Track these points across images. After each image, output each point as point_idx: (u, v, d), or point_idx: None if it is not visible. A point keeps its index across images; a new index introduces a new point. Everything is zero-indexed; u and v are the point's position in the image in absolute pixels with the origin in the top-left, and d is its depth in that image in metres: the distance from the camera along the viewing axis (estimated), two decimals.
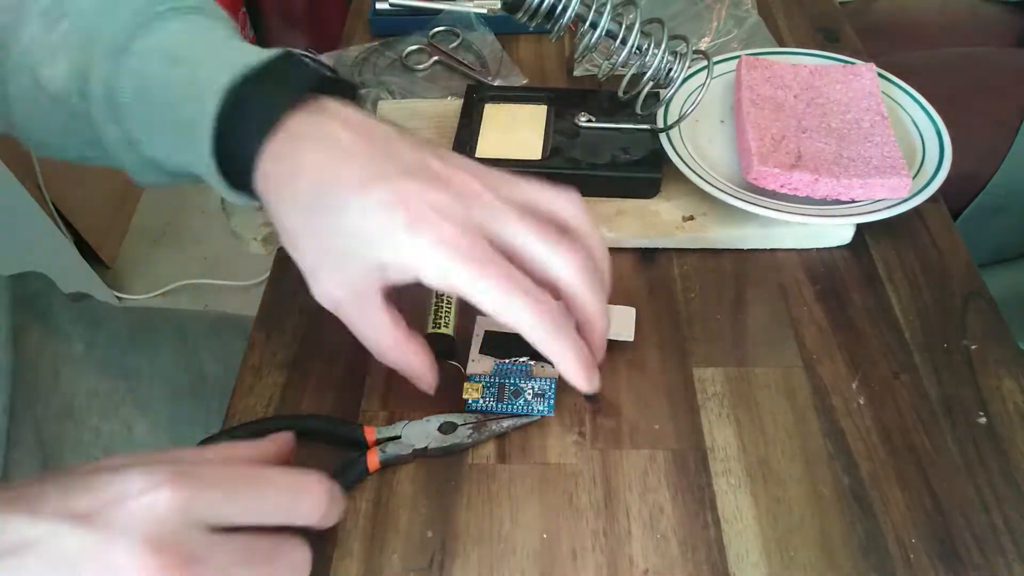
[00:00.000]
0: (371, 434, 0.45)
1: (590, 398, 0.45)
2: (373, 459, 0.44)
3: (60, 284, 0.62)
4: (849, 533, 0.41)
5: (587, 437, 0.46)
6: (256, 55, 0.38)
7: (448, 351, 0.48)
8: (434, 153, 0.38)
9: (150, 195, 1.85)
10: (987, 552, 0.40)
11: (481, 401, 0.45)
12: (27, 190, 1.40)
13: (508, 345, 0.47)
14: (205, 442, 0.45)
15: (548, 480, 0.44)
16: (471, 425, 0.45)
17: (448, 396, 0.48)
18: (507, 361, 0.47)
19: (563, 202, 0.39)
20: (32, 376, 0.53)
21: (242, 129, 0.37)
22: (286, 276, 0.55)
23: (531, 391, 0.45)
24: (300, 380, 0.49)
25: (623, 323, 0.49)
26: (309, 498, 0.33)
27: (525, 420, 0.46)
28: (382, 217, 0.35)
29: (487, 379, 0.46)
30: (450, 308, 0.49)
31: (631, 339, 0.49)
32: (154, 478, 0.29)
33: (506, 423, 0.45)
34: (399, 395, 0.48)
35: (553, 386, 0.46)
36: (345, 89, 0.40)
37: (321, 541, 0.42)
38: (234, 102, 0.36)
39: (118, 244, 1.77)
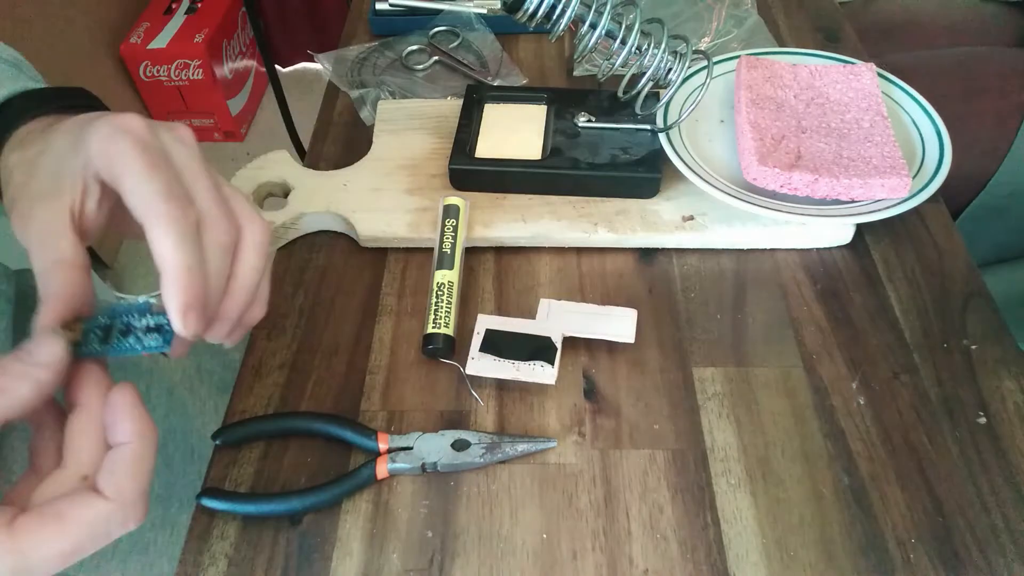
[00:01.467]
0: (384, 442, 0.45)
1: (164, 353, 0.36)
2: (383, 468, 0.44)
3: None
4: (849, 533, 0.41)
5: (587, 437, 0.46)
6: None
7: (447, 350, 0.48)
8: None
9: None
10: (987, 552, 0.40)
11: (84, 346, 0.34)
12: None
13: (508, 344, 0.47)
14: (218, 434, 0.45)
15: (548, 480, 0.44)
16: (484, 445, 0.44)
17: (448, 395, 0.48)
18: (122, 299, 0.38)
19: (246, 208, 0.36)
20: None
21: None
22: (286, 276, 0.55)
23: (143, 328, 0.35)
24: (300, 380, 0.49)
25: (623, 325, 0.49)
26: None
27: (543, 446, 0.45)
28: (83, 125, 0.35)
29: (93, 321, 0.36)
30: (450, 309, 0.49)
31: (631, 340, 0.49)
32: None
33: (520, 447, 0.45)
34: (399, 395, 0.48)
35: (167, 322, 0.34)
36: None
37: (321, 540, 0.42)
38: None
39: (118, 244, 1.77)
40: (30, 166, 0.36)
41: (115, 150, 0.32)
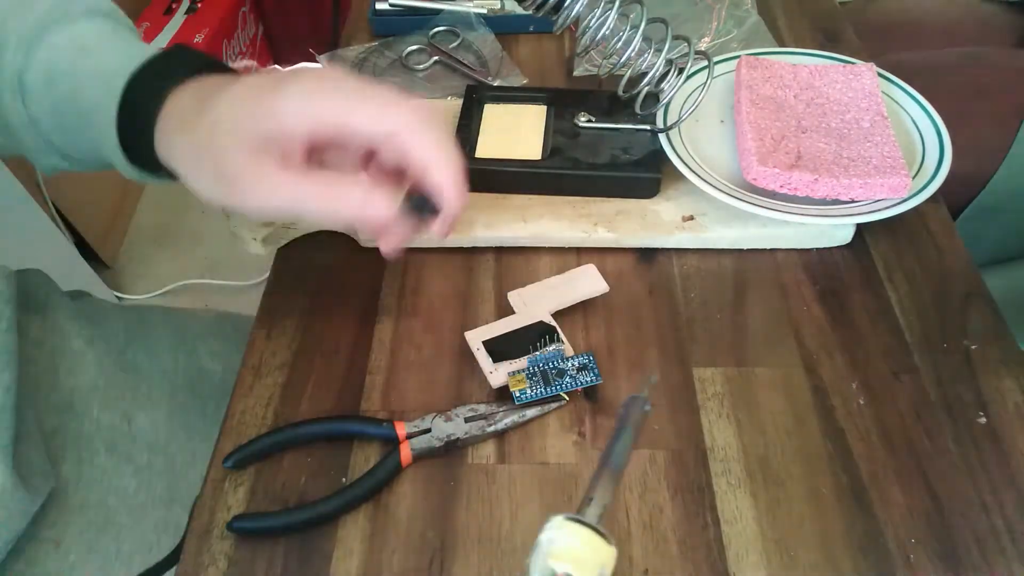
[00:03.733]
0: (401, 429, 0.45)
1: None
2: (406, 453, 0.44)
3: (60, 283, 0.62)
4: (849, 533, 0.41)
5: (587, 437, 0.45)
6: (157, 49, 0.44)
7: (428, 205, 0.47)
8: None
9: (150, 195, 1.85)
10: (987, 552, 0.40)
11: (529, 391, 0.46)
12: (27, 190, 1.40)
13: (512, 344, 0.48)
14: (231, 456, 0.45)
15: (548, 480, 0.44)
16: (498, 412, 0.46)
17: (448, 395, 0.48)
18: (536, 353, 0.47)
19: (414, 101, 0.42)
20: (32, 370, 0.53)
21: (148, 94, 0.41)
22: (286, 276, 0.55)
23: (574, 368, 0.46)
24: (300, 380, 0.49)
25: (592, 281, 0.52)
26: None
27: (554, 405, 0.46)
28: (252, 91, 0.39)
29: (528, 370, 0.47)
30: None
31: (607, 289, 0.51)
32: None
33: (531, 411, 0.46)
34: (399, 395, 0.48)
35: (592, 359, 0.47)
36: (228, 71, 0.45)
37: (321, 540, 0.42)
38: (140, 80, 0.42)
39: (118, 244, 1.77)
40: (208, 145, 0.39)
41: (322, 106, 0.37)
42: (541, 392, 0.46)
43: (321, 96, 0.38)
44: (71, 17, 0.44)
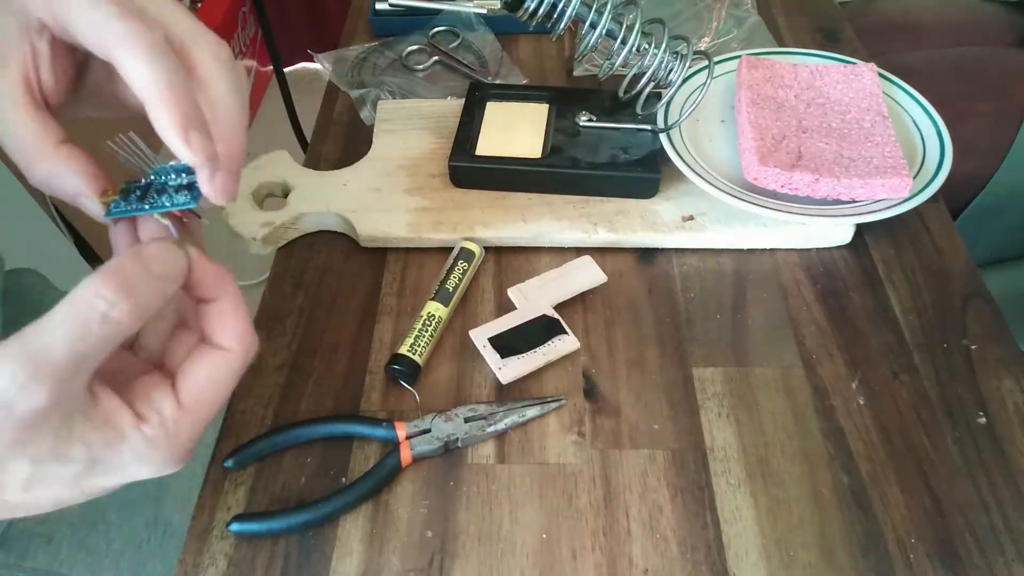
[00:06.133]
0: (401, 429, 0.45)
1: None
2: (406, 453, 0.44)
3: (60, 284, 0.62)
4: (849, 533, 0.41)
5: (587, 437, 0.45)
6: None
7: (409, 377, 0.48)
8: None
9: None
10: (987, 552, 0.40)
11: (123, 205, 0.33)
12: (27, 190, 1.40)
13: (518, 339, 0.48)
14: (231, 456, 0.44)
15: (548, 480, 0.44)
16: (498, 413, 0.46)
17: (449, 395, 0.48)
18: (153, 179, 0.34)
19: (191, 22, 0.32)
20: None
21: None
22: (286, 276, 0.55)
23: (176, 185, 0.34)
24: (300, 380, 0.49)
25: (589, 272, 0.52)
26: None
27: (553, 405, 0.46)
28: None
29: (134, 182, 0.34)
30: (430, 341, 0.49)
31: (605, 279, 0.52)
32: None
33: (531, 411, 0.46)
34: (399, 395, 0.48)
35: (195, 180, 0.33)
36: None
37: (321, 540, 0.42)
38: None
39: None
40: None
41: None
42: (127, 208, 0.33)
43: None
44: None
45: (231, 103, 0.31)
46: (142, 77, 0.28)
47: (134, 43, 0.28)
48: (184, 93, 0.28)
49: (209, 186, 0.30)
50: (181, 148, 0.28)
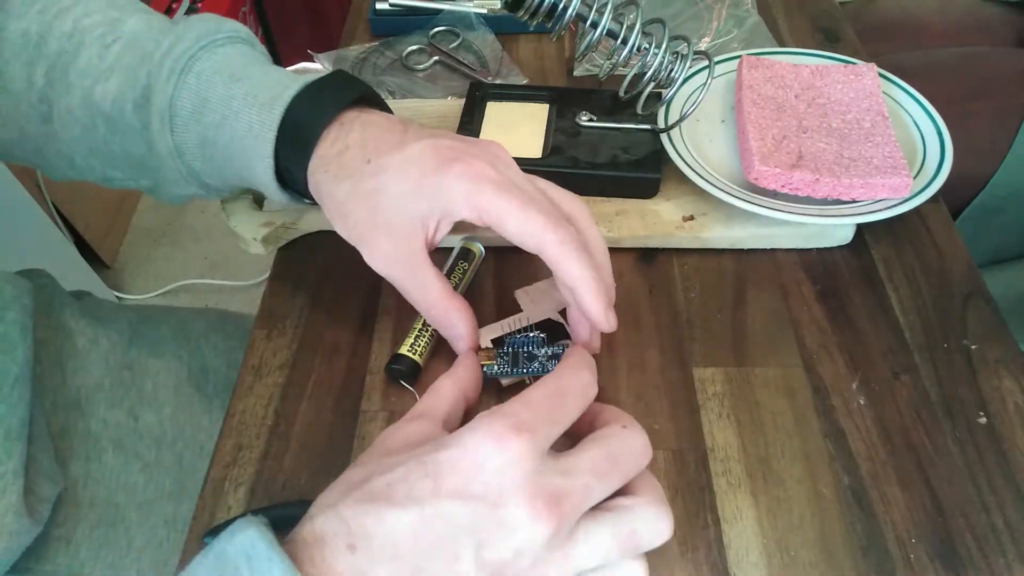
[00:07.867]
0: None
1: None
2: None
3: (60, 284, 0.62)
4: (849, 533, 0.41)
5: None
6: (307, 75, 0.45)
7: (410, 376, 0.48)
8: (460, 135, 0.44)
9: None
10: (987, 552, 0.40)
11: (496, 367, 0.44)
12: (27, 190, 1.40)
13: (520, 344, 0.47)
14: (257, 512, 0.43)
15: None
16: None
17: None
18: (517, 334, 0.46)
19: (568, 196, 0.43)
20: (39, 370, 0.53)
21: (306, 122, 0.43)
22: (286, 276, 0.55)
23: (545, 356, 0.45)
24: (300, 380, 0.49)
25: None
26: (587, 375, 0.35)
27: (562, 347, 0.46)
28: (417, 166, 0.40)
29: (501, 348, 0.45)
30: (431, 341, 0.48)
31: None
32: (494, 434, 0.30)
33: (535, 364, 0.46)
34: (399, 395, 0.48)
35: (564, 349, 0.44)
36: (381, 101, 0.47)
37: None
38: (297, 107, 0.43)
39: (118, 244, 1.77)
40: (366, 202, 0.41)
41: (485, 201, 0.39)
42: (507, 371, 0.44)
43: (479, 190, 0.39)
44: (216, 44, 0.45)
45: (601, 245, 0.43)
46: (572, 274, 0.38)
47: (567, 252, 0.38)
48: (601, 280, 0.39)
49: (606, 327, 0.40)
50: (602, 325, 0.39)
